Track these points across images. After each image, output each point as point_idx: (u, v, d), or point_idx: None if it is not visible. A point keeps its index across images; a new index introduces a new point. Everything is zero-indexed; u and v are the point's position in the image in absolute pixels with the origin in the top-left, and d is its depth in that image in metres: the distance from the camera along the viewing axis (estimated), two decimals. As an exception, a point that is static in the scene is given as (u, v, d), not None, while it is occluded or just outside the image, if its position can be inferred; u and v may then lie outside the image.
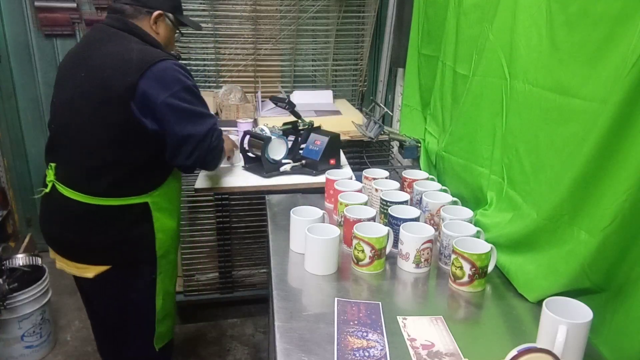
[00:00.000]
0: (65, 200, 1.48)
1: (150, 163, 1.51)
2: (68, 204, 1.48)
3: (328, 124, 2.28)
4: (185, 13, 1.71)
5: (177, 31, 1.65)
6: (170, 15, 1.58)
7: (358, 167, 2.12)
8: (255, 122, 2.39)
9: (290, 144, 1.96)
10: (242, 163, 1.97)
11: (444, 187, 1.66)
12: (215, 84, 2.87)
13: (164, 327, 1.69)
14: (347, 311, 1.13)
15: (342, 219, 1.43)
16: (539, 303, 1.06)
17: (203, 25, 2.70)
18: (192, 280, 2.58)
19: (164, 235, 1.60)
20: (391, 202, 1.47)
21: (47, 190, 1.52)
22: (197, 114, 1.47)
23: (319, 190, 1.79)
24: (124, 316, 1.62)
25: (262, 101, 2.68)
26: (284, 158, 1.92)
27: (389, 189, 1.61)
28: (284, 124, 2.01)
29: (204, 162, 1.55)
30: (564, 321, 0.94)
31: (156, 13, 1.54)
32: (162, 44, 1.58)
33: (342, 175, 1.72)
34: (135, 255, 1.56)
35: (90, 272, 1.52)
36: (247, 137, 1.93)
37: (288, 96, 2.12)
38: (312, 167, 1.91)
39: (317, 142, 1.92)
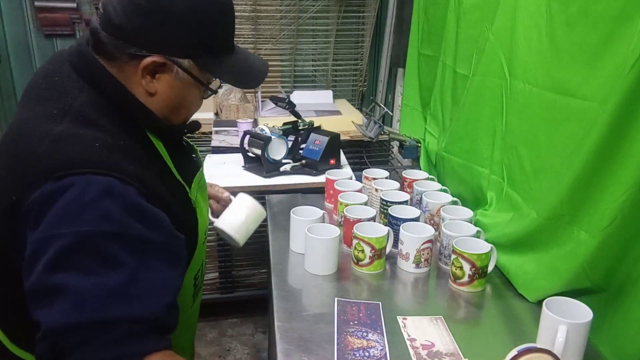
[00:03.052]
0: None
1: None
2: None
3: (328, 124, 2.27)
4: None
5: (203, 86, 0.91)
6: (184, 62, 0.86)
7: (358, 167, 2.12)
8: (255, 122, 2.39)
9: (290, 144, 1.96)
10: (242, 163, 1.97)
11: (444, 187, 1.66)
12: (215, 84, 2.87)
13: None
14: (347, 311, 1.13)
15: (342, 219, 1.42)
16: (539, 303, 1.06)
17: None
18: (192, 280, 2.58)
19: None
20: (391, 202, 1.47)
21: None
22: (57, 290, 0.72)
23: (319, 190, 1.79)
24: None
25: (262, 101, 2.67)
26: (284, 158, 1.92)
27: (389, 189, 1.61)
28: (284, 124, 2.01)
29: None
30: (564, 321, 0.94)
31: (148, 61, 0.84)
32: (162, 112, 0.90)
33: (342, 175, 1.72)
34: None
35: None
36: (247, 137, 1.93)
37: (288, 96, 2.12)
38: (312, 167, 1.91)
39: (317, 142, 1.92)
